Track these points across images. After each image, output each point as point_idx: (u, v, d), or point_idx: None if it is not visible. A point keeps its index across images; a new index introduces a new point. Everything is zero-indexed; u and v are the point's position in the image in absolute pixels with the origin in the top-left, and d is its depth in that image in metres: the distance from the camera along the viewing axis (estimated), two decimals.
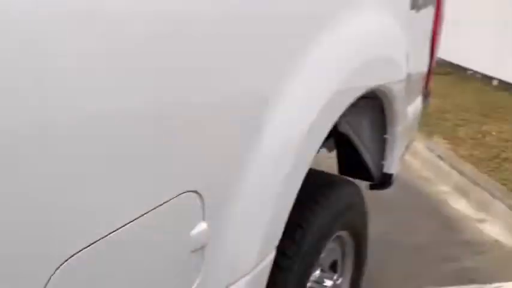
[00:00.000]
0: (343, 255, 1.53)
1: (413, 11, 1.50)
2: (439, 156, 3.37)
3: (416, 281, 2.17)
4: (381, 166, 1.73)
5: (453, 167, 3.21)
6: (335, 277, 1.45)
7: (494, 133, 3.69)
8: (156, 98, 0.59)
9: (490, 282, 2.19)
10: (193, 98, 0.65)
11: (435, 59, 2.01)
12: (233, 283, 0.78)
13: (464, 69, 5.43)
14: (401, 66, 1.43)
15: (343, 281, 1.51)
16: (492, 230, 2.64)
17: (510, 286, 2.18)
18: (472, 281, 2.19)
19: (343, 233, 1.46)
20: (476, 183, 2.97)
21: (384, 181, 1.74)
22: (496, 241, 2.54)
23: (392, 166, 1.69)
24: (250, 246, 0.80)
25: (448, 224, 2.70)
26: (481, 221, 2.74)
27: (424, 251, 2.40)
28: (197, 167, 0.67)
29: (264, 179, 0.80)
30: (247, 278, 0.81)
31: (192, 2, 0.63)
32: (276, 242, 0.89)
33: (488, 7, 4.99)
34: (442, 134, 3.74)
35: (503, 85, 4.92)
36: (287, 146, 0.84)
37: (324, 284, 1.38)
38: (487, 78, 5.16)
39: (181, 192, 0.63)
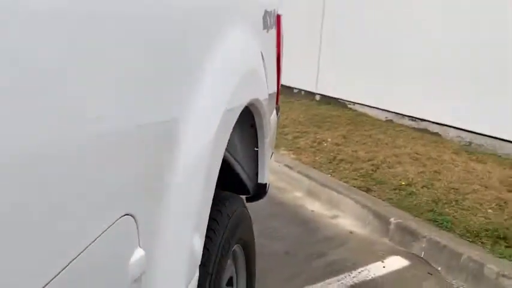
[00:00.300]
0: (237, 270, 1.56)
1: (265, 31, 1.64)
2: (288, 166, 3.66)
3: (295, 282, 2.30)
4: (254, 178, 1.81)
5: (302, 174, 3.51)
6: None
7: (329, 139, 4.17)
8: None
9: (355, 269, 2.46)
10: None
11: (281, 77, 2.21)
12: None
13: (291, 88, 6.03)
14: (265, 81, 1.54)
15: None
16: (345, 223, 2.97)
17: (371, 268, 2.47)
18: (341, 271, 2.42)
19: (236, 248, 1.49)
20: (323, 185, 3.31)
21: (259, 192, 1.83)
22: (351, 232, 2.86)
23: (265, 176, 1.79)
24: (181, 268, 0.77)
25: (308, 225, 2.94)
26: (335, 217, 3.05)
27: (295, 253, 2.57)
28: (127, 189, 0.63)
29: (185, 198, 0.78)
30: None
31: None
32: (199, 262, 0.87)
33: (302, 32, 5.65)
34: (286, 146, 4.08)
35: (325, 99, 5.60)
36: (199, 162, 0.84)
37: None
38: (311, 95, 5.82)
39: (118, 217, 0.58)
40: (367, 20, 4.87)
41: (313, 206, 3.20)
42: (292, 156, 3.89)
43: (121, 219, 0.60)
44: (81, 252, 0.54)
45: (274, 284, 2.27)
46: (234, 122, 1.10)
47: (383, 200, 3.03)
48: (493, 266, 2.27)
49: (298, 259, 2.52)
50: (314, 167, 3.63)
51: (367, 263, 2.52)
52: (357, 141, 4.17)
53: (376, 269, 2.47)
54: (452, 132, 4.17)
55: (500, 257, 2.36)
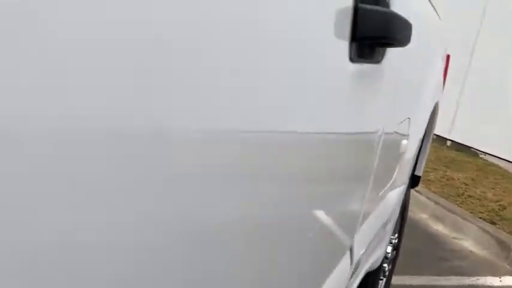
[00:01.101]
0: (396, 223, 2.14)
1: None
2: (417, 191, 4.11)
3: (425, 274, 2.79)
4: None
5: (429, 199, 3.95)
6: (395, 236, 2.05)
7: (459, 176, 4.54)
8: None
9: (474, 276, 2.86)
10: None
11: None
12: None
13: None
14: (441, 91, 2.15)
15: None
16: (467, 244, 3.35)
17: (489, 279, 2.85)
18: (461, 274, 2.85)
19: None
20: (449, 211, 3.71)
21: (413, 182, 2.41)
22: (471, 251, 3.24)
23: (421, 170, 2.37)
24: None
25: (433, 239, 3.38)
26: (457, 238, 3.45)
27: (422, 255, 3.04)
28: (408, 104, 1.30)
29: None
30: None
31: None
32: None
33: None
34: None
35: (455, 145, 5.92)
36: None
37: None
38: (442, 140, 6.16)
39: (404, 119, 1.24)
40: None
41: (437, 227, 3.63)
42: (422, 185, 4.33)
43: (405, 120, 1.26)
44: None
45: (406, 270, 2.77)
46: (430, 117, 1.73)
47: (507, 233, 3.36)
48: None
49: (425, 259, 2.99)
50: (442, 197, 4.04)
51: (485, 275, 2.90)
52: (485, 185, 4.47)
53: (492, 281, 2.85)
54: None
55: None
